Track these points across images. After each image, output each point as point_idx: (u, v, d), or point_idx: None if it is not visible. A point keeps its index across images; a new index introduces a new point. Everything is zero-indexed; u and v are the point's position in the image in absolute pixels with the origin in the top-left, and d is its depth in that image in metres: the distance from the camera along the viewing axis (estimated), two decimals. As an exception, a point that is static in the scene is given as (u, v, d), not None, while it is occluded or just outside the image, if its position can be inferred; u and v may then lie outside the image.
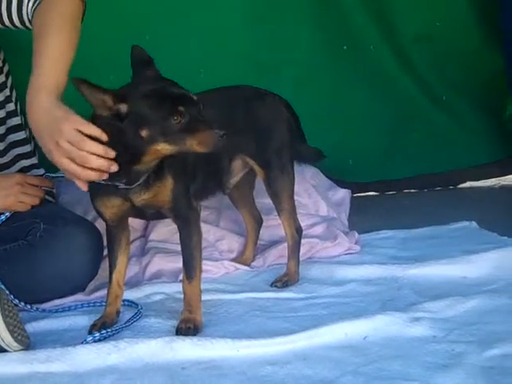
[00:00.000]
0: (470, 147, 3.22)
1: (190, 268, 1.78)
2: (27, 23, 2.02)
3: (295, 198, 2.20)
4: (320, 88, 3.08)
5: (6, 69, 2.25)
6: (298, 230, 2.13)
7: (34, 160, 2.34)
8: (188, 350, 1.61)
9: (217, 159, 1.97)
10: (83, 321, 1.88)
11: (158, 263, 2.25)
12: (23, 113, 2.35)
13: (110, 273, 1.88)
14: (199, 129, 1.65)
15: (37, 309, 1.95)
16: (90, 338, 1.69)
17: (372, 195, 3.35)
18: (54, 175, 2.26)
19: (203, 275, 2.16)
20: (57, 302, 2.03)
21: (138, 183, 1.75)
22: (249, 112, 2.03)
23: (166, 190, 1.77)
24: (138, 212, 1.84)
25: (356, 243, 2.37)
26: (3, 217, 2.10)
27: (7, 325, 1.62)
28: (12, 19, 2.03)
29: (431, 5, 3.12)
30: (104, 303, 1.96)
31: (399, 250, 2.33)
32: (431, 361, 1.51)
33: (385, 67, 3.13)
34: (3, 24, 2.05)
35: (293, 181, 2.10)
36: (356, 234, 2.43)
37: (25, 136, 2.31)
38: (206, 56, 2.96)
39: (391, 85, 3.15)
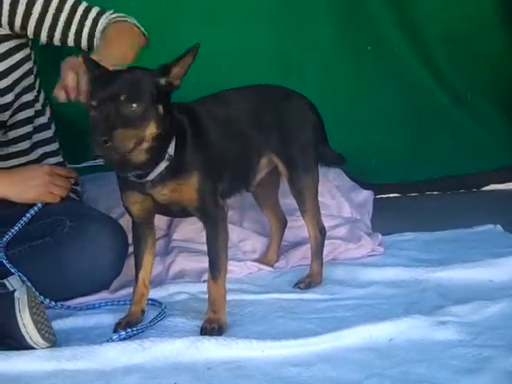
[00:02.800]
0: (494, 149, 3.18)
1: (216, 268, 1.79)
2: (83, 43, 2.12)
3: (318, 198, 2.22)
4: (343, 88, 3.06)
5: (35, 70, 2.28)
6: (322, 231, 2.13)
7: (60, 158, 2.36)
8: (213, 350, 1.62)
9: (247, 157, 1.98)
10: (108, 319, 1.90)
11: (182, 263, 2.26)
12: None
13: (136, 272, 1.90)
14: (92, 126, 1.66)
15: (62, 306, 1.96)
16: (115, 337, 1.71)
17: (394, 197, 3.33)
18: (77, 166, 2.28)
19: (227, 275, 2.22)
20: (81, 299, 2.04)
21: (151, 179, 1.75)
22: (277, 111, 2.03)
23: (191, 187, 1.77)
24: (164, 209, 1.85)
25: (379, 245, 2.37)
26: (36, 208, 2.10)
27: (35, 322, 1.64)
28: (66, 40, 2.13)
29: (456, 5, 3.08)
30: (128, 302, 1.98)
31: (422, 253, 2.32)
32: (457, 365, 1.51)
33: (409, 68, 3.10)
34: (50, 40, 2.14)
35: (317, 181, 2.10)
36: (379, 236, 2.42)
37: (50, 135, 2.35)
38: (228, 53, 2.94)
39: (415, 85, 3.12)
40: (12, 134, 2.23)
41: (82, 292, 2.03)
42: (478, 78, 3.13)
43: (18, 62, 2.19)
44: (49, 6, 2.13)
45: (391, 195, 3.35)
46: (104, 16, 2.14)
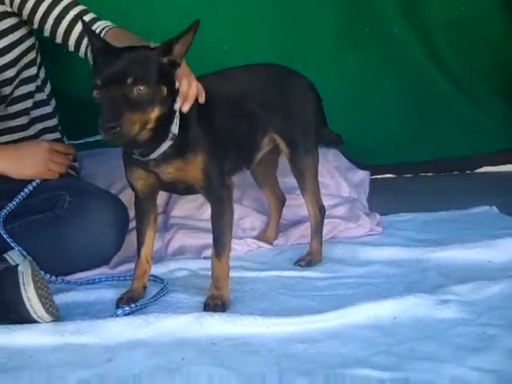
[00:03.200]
0: (491, 133, 3.19)
1: (220, 245, 1.79)
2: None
3: (318, 178, 2.22)
4: (342, 70, 3.05)
5: (37, 45, 2.26)
6: (321, 210, 2.13)
7: (58, 135, 2.34)
8: (217, 326, 1.62)
9: (251, 135, 1.97)
10: (110, 294, 1.89)
11: (181, 239, 2.26)
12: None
13: (139, 248, 1.89)
14: (101, 112, 1.63)
15: (62, 280, 1.95)
16: (120, 312, 1.70)
17: (389, 177, 3.34)
18: (77, 142, 2.25)
19: (226, 252, 2.22)
20: (81, 274, 2.04)
21: (154, 157, 1.73)
22: (280, 90, 2.02)
23: (196, 167, 1.76)
24: (169, 186, 1.84)
25: (377, 225, 2.37)
26: (34, 183, 2.09)
27: (39, 297, 1.63)
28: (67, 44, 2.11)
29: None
30: (129, 277, 1.98)
31: (420, 233, 2.33)
32: (463, 343, 1.52)
33: (407, 50, 3.08)
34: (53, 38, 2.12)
35: (317, 161, 2.10)
36: (377, 216, 2.43)
37: (50, 111, 2.33)
38: (231, 34, 2.93)
39: (413, 68, 3.12)
40: (12, 109, 2.21)
41: (82, 267, 2.03)
42: (478, 63, 3.14)
43: (20, 37, 2.17)
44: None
45: (386, 175, 3.37)
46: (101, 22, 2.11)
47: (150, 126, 1.68)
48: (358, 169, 2.85)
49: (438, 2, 3.09)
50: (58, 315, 1.70)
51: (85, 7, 2.15)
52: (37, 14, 2.11)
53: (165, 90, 1.68)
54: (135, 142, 1.70)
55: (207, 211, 2.47)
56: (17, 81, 2.20)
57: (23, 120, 2.24)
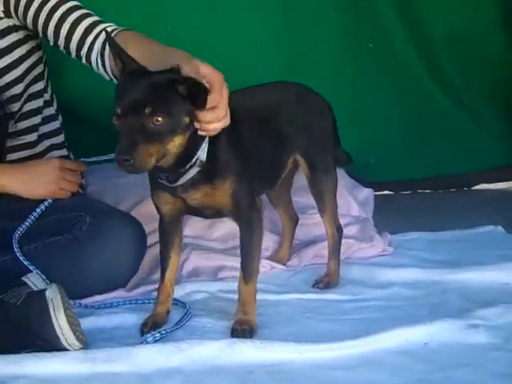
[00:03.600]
0: (488, 150, 3.23)
1: (248, 270, 1.77)
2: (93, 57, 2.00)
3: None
4: (344, 85, 3.07)
5: (44, 58, 2.22)
6: (339, 230, 2.13)
7: (65, 151, 2.31)
8: (251, 352, 1.61)
9: (279, 155, 1.95)
10: (131, 319, 1.87)
11: (195, 260, 2.24)
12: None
13: (162, 271, 1.86)
14: (118, 142, 1.60)
15: (80, 304, 1.92)
16: (150, 338, 1.68)
17: (387, 194, 3.36)
18: (88, 160, 2.21)
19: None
20: (98, 297, 2.00)
21: (181, 183, 1.71)
22: (302, 110, 2.01)
23: (225, 193, 1.74)
24: (196, 211, 1.81)
25: (389, 245, 2.39)
26: (46, 203, 2.05)
27: (70, 324, 1.61)
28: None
29: (459, 6, 3.11)
30: (147, 301, 1.97)
31: (431, 253, 2.34)
32: (499, 370, 1.52)
33: (408, 66, 3.13)
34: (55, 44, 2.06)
35: (336, 181, 2.10)
36: (388, 236, 2.43)
37: (58, 126, 2.29)
38: (231, 48, 2.94)
39: (414, 84, 3.15)
40: (20, 125, 2.17)
41: (100, 290, 2.00)
42: (479, 80, 3.18)
43: (27, 51, 2.13)
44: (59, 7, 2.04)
45: (384, 192, 3.39)
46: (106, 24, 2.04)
47: (170, 155, 1.63)
48: (362, 186, 2.86)
49: (441, 17, 3.12)
50: (86, 342, 1.67)
51: (87, 10, 2.06)
52: (39, 22, 2.04)
53: (186, 119, 1.63)
54: (159, 168, 1.67)
55: (217, 231, 2.50)
56: (25, 96, 2.16)
57: (32, 137, 2.20)
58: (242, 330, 1.73)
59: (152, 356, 1.60)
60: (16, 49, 2.11)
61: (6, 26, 2.07)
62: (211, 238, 2.39)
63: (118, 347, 1.64)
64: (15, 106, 2.13)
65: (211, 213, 1.82)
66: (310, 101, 2.07)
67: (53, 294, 1.64)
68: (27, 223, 2.04)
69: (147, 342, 1.67)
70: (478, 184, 3.35)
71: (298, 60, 3.06)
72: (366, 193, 2.84)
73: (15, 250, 1.96)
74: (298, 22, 3.03)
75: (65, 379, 1.55)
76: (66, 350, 1.63)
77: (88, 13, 2.05)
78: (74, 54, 2.06)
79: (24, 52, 2.13)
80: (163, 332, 1.72)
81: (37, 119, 2.21)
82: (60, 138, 2.30)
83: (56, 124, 2.28)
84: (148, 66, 1.70)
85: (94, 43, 1.99)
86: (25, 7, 2.05)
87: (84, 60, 2.04)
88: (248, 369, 1.57)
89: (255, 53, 2.99)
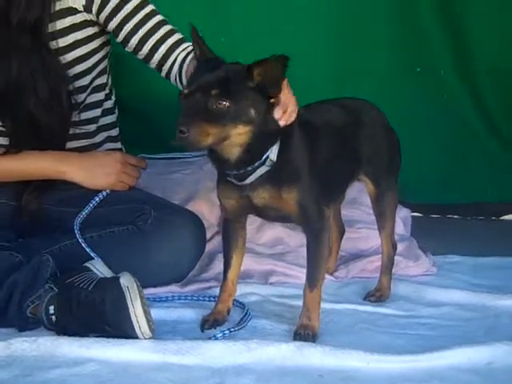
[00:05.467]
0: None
1: (314, 277, 1.79)
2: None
3: (372, 214, 2.24)
4: (389, 107, 3.07)
5: (109, 53, 2.25)
6: (394, 247, 2.15)
7: (119, 144, 2.33)
8: (320, 357, 1.62)
9: (348, 170, 1.97)
10: (190, 314, 1.89)
11: (246, 263, 2.22)
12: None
13: (225, 270, 1.88)
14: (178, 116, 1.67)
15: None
16: (219, 335, 1.69)
17: (416, 216, 3.39)
18: (149, 156, 2.24)
19: (293, 281, 2.22)
20: (151, 290, 2.01)
21: (249, 182, 1.73)
22: (369, 127, 2.02)
23: (292, 199, 1.75)
24: (261, 212, 1.82)
25: (433, 265, 2.41)
26: (104, 193, 2.07)
27: (145, 313, 1.62)
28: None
29: (506, 36, 3.14)
30: (202, 298, 2.00)
31: (475, 278, 2.34)
32: None
33: (452, 93, 3.15)
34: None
35: (397, 200, 2.13)
36: (431, 256, 2.46)
37: (114, 120, 2.31)
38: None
39: (455, 111, 3.17)
40: (83, 116, 2.19)
41: (158, 283, 2.02)
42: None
43: (99, 46, 2.16)
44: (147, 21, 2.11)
45: (414, 214, 3.42)
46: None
47: (233, 145, 1.66)
48: (401, 206, 2.89)
49: (489, 45, 3.12)
50: (154, 331, 1.68)
51: (174, 27, 2.14)
52: (123, 30, 2.09)
53: (252, 111, 1.66)
54: (227, 162, 1.71)
55: (264, 236, 2.52)
56: (90, 88, 2.19)
57: (91, 127, 2.22)
58: (306, 334, 1.74)
59: (222, 352, 1.61)
60: (90, 42, 2.14)
61: (83, 19, 2.10)
62: (259, 243, 2.41)
63: (187, 340, 1.65)
64: (81, 97, 2.15)
65: (275, 215, 1.83)
66: (378, 118, 2.09)
67: (128, 283, 1.66)
68: (86, 211, 2.05)
69: (216, 338, 1.68)
70: (507, 214, 3.41)
71: (344, 78, 3.09)
72: (405, 212, 2.86)
73: (77, 236, 1.96)
74: (352, 42, 3.08)
75: (135, 367, 1.57)
76: (135, 338, 1.64)
77: (172, 29, 2.13)
78: (153, 66, 2.15)
79: (97, 45, 2.16)
80: (232, 329, 1.74)
81: (97, 111, 2.24)
82: (116, 131, 2.33)
83: (112, 117, 2.31)
84: None
85: (175, 61, 2.10)
86: (110, 13, 2.09)
87: (163, 74, 2.14)
88: (318, 373, 1.58)
89: (302, 69, 3.01)
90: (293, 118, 1.74)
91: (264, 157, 1.72)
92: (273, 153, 1.73)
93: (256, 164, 1.72)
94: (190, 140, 1.61)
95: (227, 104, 1.63)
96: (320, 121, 1.91)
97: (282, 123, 1.72)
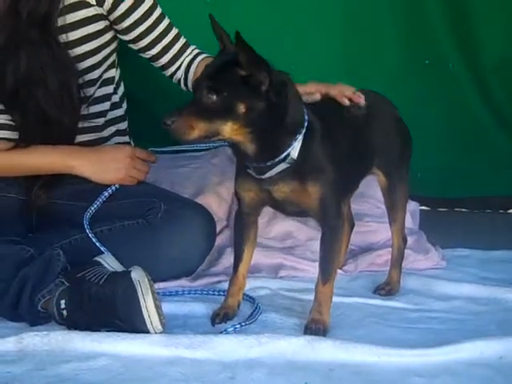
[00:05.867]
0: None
1: (327, 272, 1.78)
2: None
3: (381, 206, 2.24)
4: (397, 99, 3.08)
5: (117, 48, 2.25)
6: (404, 240, 2.15)
7: (127, 138, 2.33)
8: (331, 351, 1.62)
9: (365, 164, 1.97)
10: (200, 308, 1.89)
11: (255, 257, 2.21)
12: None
13: (236, 264, 1.88)
14: None
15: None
16: (231, 329, 1.69)
17: (424, 210, 3.38)
18: (159, 149, 2.23)
19: (302, 275, 2.22)
20: (161, 284, 2.00)
21: (269, 176, 1.72)
22: (385, 121, 2.02)
23: (314, 194, 1.74)
24: (278, 205, 1.82)
25: (442, 259, 2.41)
26: (113, 188, 2.07)
27: (156, 308, 1.62)
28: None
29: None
30: (212, 292, 2.00)
31: (484, 271, 2.34)
32: None
33: (460, 86, 3.15)
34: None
35: (408, 193, 2.13)
36: (441, 250, 2.45)
37: (122, 113, 2.31)
38: (297, 54, 2.98)
39: (463, 104, 3.17)
40: (91, 109, 2.19)
41: (168, 277, 2.02)
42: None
43: (108, 40, 2.16)
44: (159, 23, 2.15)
45: (422, 207, 3.41)
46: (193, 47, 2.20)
47: (240, 142, 1.66)
48: (408, 199, 2.88)
49: (498, 40, 3.12)
50: (165, 326, 1.68)
51: (178, 31, 2.19)
52: (133, 32, 2.12)
53: (241, 106, 1.64)
54: (245, 155, 1.70)
55: (274, 230, 2.51)
56: (99, 82, 2.20)
57: (100, 121, 2.22)
58: (317, 328, 1.74)
59: (234, 346, 1.61)
60: (102, 36, 2.14)
61: (95, 13, 2.10)
62: (268, 237, 2.40)
63: (199, 334, 1.65)
64: (90, 91, 2.15)
65: (294, 210, 1.83)
66: (389, 110, 2.08)
67: (139, 277, 1.66)
68: (95, 206, 2.05)
69: (227, 332, 1.68)
70: (513, 208, 3.42)
71: (353, 72, 3.07)
72: (413, 206, 2.85)
73: (86, 230, 1.97)
74: (361, 37, 3.08)
75: (147, 361, 1.57)
76: (146, 332, 1.64)
77: (178, 33, 2.20)
78: (157, 66, 2.20)
79: (107, 39, 2.16)
80: (243, 323, 1.74)
81: (106, 105, 2.24)
82: (124, 125, 2.33)
83: (120, 111, 2.31)
84: None
85: (181, 66, 2.18)
86: (123, 14, 2.10)
87: (166, 74, 2.21)
88: (329, 367, 1.57)
89: (311, 63, 3.01)
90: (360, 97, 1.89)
91: (285, 154, 1.71)
92: (294, 149, 1.72)
93: (276, 160, 1.71)
94: (173, 131, 1.63)
95: (214, 97, 1.63)
96: (336, 115, 1.89)
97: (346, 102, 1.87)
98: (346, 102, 1.87)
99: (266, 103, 1.66)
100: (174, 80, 2.24)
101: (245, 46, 1.62)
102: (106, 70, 2.21)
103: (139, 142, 2.38)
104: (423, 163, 3.23)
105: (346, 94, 1.90)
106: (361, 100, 1.90)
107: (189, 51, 2.19)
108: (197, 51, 2.20)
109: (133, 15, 2.09)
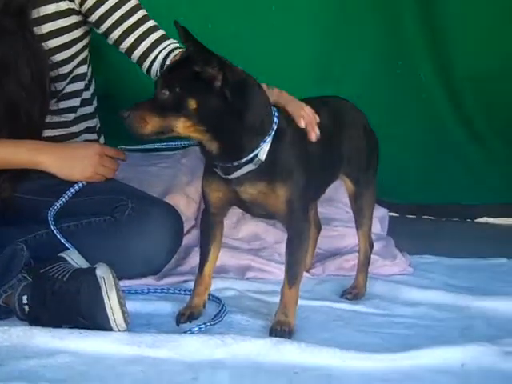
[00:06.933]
0: (496, 186, 3.27)
1: (293, 275, 1.78)
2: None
3: (350, 211, 2.24)
4: (369, 107, 3.09)
5: (89, 44, 2.23)
6: (371, 246, 2.15)
7: (95, 136, 2.31)
8: (295, 354, 1.61)
9: (333, 169, 1.97)
10: (165, 307, 1.88)
11: (222, 258, 2.20)
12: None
13: (202, 263, 1.86)
14: None
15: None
16: (195, 329, 1.68)
17: (392, 216, 3.40)
18: (128, 148, 2.20)
19: (269, 277, 2.22)
20: (127, 282, 1.99)
21: (235, 177, 1.71)
22: (349, 125, 2.02)
23: (281, 197, 1.74)
24: (245, 206, 1.81)
25: (410, 265, 2.41)
26: (80, 184, 2.05)
27: (120, 305, 1.60)
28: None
29: (487, 45, 3.15)
30: (177, 291, 1.98)
31: (451, 278, 2.35)
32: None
33: (431, 94, 3.18)
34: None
35: (375, 198, 2.13)
36: (408, 256, 2.47)
37: (92, 111, 2.29)
38: (269, 58, 2.99)
39: (434, 114, 3.20)
40: (61, 105, 2.17)
41: (134, 275, 2.00)
42: (497, 117, 3.22)
43: (81, 35, 2.15)
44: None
45: (390, 214, 3.43)
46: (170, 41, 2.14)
47: (200, 139, 1.66)
48: (378, 206, 2.89)
49: (467, 51, 3.15)
50: (129, 324, 1.66)
51: (156, 24, 2.15)
52: (106, 23, 2.10)
53: (192, 102, 1.63)
54: (210, 154, 1.68)
55: (241, 232, 2.50)
56: (70, 77, 2.18)
57: (70, 116, 2.20)
58: (282, 330, 1.73)
59: (197, 346, 1.60)
60: (73, 30, 2.12)
61: (67, 7, 2.08)
62: (236, 238, 2.40)
63: (163, 333, 1.64)
64: (60, 85, 2.13)
65: (260, 212, 1.82)
66: (359, 118, 2.08)
67: (104, 274, 1.63)
68: (61, 202, 2.02)
69: (192, 332, 1.66)
70: (481, 217, 3.41)
71: (326, 78, 3.10)
72: (382, 212, 2.87)
73: (51, 226, 1.94)
74: (335, 39, 3.10)
75: (109, 359, 1.55)
76: (109, 330, 1.62)
77: (155, 25, 2.15)
78: (134, 61, 2.16)
79: (79, 34, 2.15)
80: (208, 324, 1.72)
81: (76, 101, 2.22)
82: (93, 122, 2.31)
83: (90, 108, 2.29)
84: None
85: (156, 58, 2.12)
86: (94, 4, 2.08)
87: (144, 70, 2.16)
88: (293, 369, 1.56)
89: (285, 67, 3.01)
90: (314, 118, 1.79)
91: (252, 155, 1.70)
92: (263, 151, 1.71)
93: (243, 160, 1.70)
94: (129, 125, 1.64)
95: (167, 93, 1.64)
96: None
97: (302, 124, 1.76)
98: (302, 125, 1.78)
99: (221, 100, 1.65)
100: (152, 76, 2.15)
101: (192, 39, 1.63)
102: (77, 66, 2.19)
103: (112, 140, 2.35)
104: (393, 170, 3.27)
105: (304, 116, 1.79)
106: (312, 135, 1.79)
107: (165, 44, 2.11)
108: (175, 46, 2.12)
109: (104, 5, 2.06)
